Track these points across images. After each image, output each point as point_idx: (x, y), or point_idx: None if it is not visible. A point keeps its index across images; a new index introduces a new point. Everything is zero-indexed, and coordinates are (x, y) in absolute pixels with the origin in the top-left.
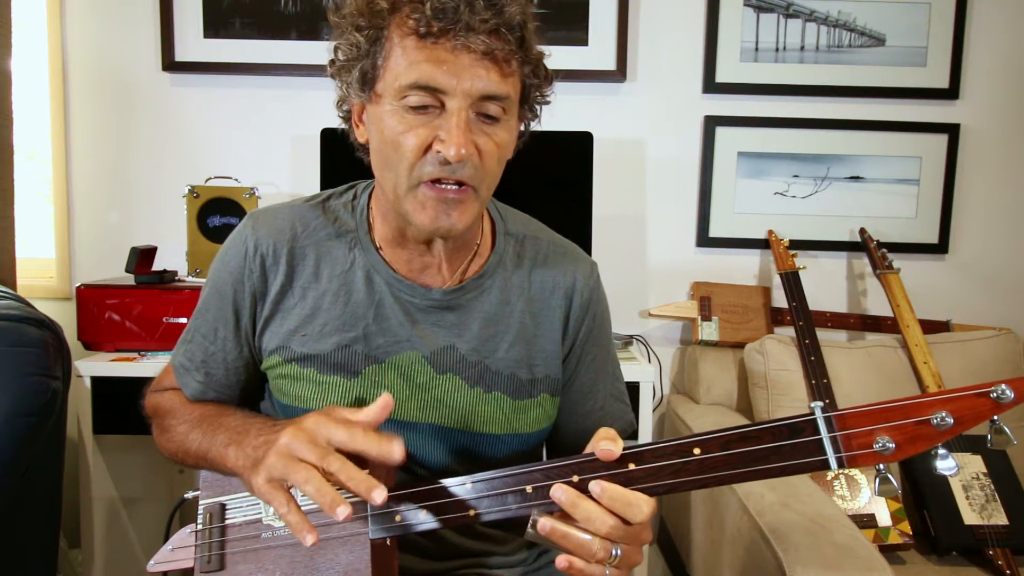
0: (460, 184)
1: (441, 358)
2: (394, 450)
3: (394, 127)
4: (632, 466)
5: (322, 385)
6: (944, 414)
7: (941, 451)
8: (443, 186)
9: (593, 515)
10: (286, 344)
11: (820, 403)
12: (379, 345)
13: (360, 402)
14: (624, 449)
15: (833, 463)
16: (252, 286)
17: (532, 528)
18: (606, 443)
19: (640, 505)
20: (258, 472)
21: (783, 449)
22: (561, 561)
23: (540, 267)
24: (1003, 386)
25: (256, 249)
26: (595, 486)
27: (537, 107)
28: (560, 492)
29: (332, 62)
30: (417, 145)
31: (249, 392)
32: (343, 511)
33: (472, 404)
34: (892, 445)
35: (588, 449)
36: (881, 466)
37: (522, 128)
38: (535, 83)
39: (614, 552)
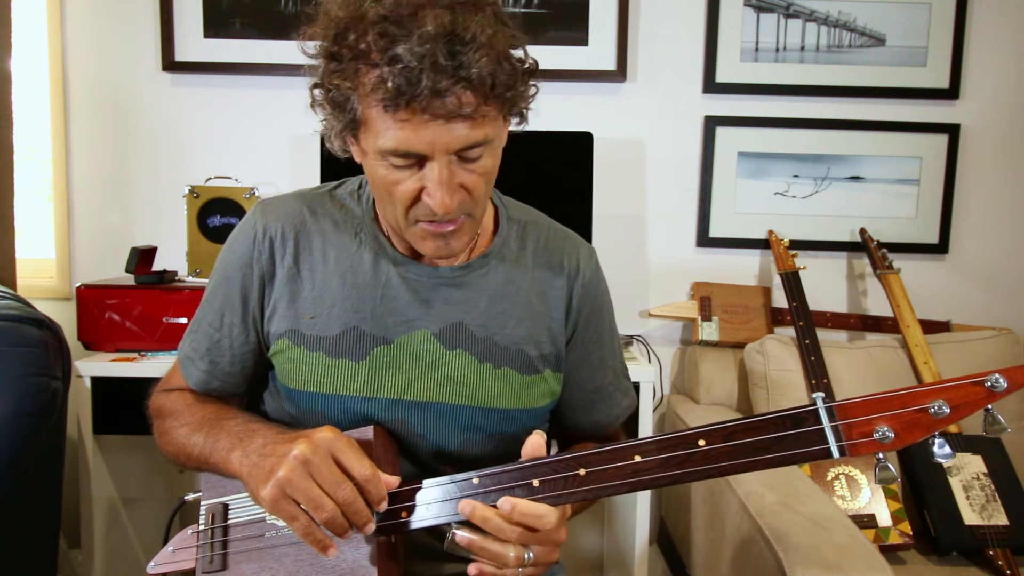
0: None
1: (450, 334)
2: (382, 506)
3: (384, 175)
4: (638, 458)
5: (331, 368)
6: (941, 403)
7: (938, 440)
8: (439, 222)
9: (503, 528)
10: (294, 327)
11: (821, 394)
12: (387, 325)
13: (368, 385)
14: (629, 441)
15: (835, 451)
16: (260, 269)
17: (451, 540)
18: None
19: (548, 516)
20: (267, 484)
21: (786, 439)
22: (471, 569)
23: (542, 250)
24: (996, 375)
25: (265, 232)
26: (504, 503)
27: (523, 112)
28: (469, 509)
29: (312, 103)
30: (407, 195)
31: (253, 383)
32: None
33: (483, 380)
34: (891, 434)
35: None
36: (880, 455)
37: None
38: (513, 96)
39: (527, 556)
